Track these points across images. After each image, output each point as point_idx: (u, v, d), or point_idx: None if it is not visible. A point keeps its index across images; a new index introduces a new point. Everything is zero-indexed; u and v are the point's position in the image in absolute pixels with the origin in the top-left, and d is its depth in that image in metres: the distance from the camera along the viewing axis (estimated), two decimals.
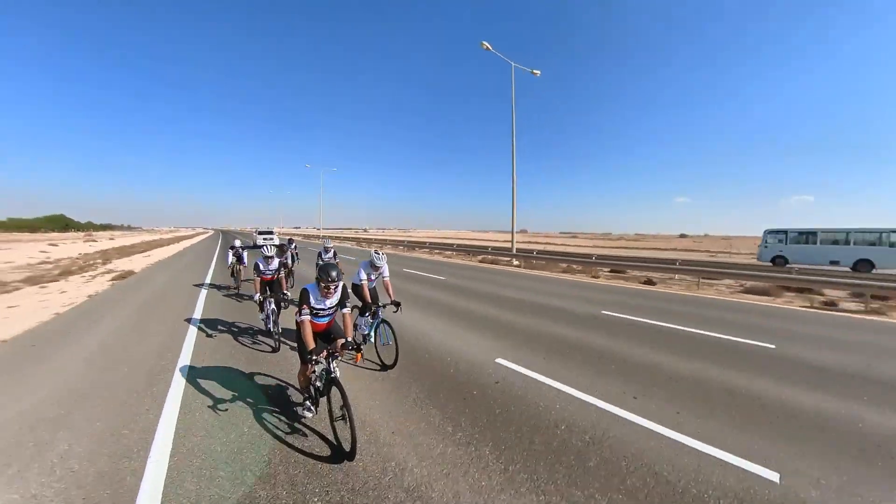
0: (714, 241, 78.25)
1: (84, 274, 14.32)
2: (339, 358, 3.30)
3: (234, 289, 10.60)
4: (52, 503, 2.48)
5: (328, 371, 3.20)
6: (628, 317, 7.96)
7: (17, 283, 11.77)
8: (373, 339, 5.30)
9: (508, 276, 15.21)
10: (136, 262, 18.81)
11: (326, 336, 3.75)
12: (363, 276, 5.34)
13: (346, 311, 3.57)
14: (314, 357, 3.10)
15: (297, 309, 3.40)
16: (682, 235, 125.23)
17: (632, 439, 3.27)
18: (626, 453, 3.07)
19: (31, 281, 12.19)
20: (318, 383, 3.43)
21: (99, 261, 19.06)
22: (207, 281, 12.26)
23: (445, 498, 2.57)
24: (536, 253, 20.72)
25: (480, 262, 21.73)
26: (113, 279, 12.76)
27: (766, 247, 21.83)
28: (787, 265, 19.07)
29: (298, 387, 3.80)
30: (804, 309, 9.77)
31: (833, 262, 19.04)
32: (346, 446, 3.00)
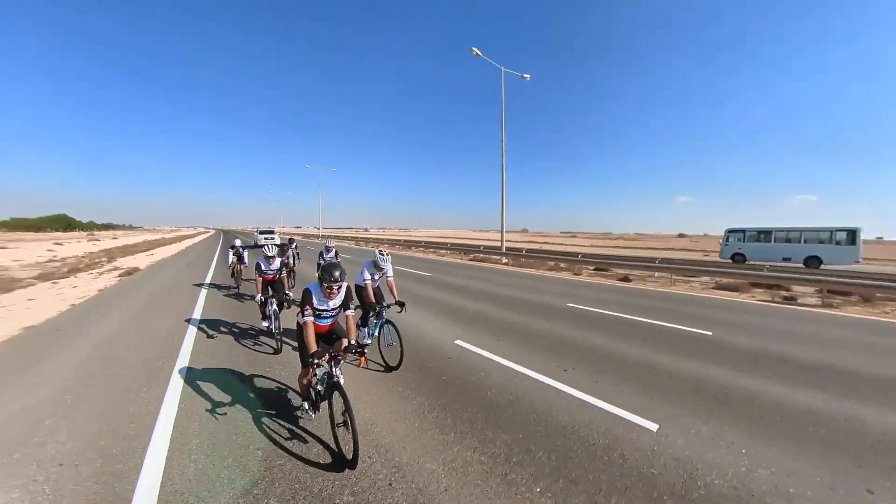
0: (711, 241, 78.80)
1: (92, 271, 15.12)
2: (343, 361, 3.22)
3: (235, 289, 10.52)
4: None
5: (330, 375, 3.12)
6: (590, 308, 8.73)
7: (30, 279, 12.55)
8: (377, 340, 5.23)
9: (493, 273, 16.01)
10: (141, 260, 19.62)
11: (329, 338, 3.69)
12: (367, 276, 5.28)
13: (350, 312, 3.50)
14: (316, 360, 3.02)
15: (298, 310, 3.33)
16: (681, 235, 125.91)
17: (547, 400, 4.03)
18: (538, 409, 3.83)
19: (43, 277, 12.99)
20: (320, 387, 3.37)
21: (105, 259, 19.86)
22: (208, 281, 12.27)
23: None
24: (525, 252, 21.48)
25: (471, 260, 22.52)
26: (120, 275, 13.58)
27: (726, 245, 23.21)
28: (746, 262, 20.58)
29: (299, 390, 3.71)
30: (762, 303, 10.51)
31: (785, 259, 20.34)
32: (348, 454, 2.91)
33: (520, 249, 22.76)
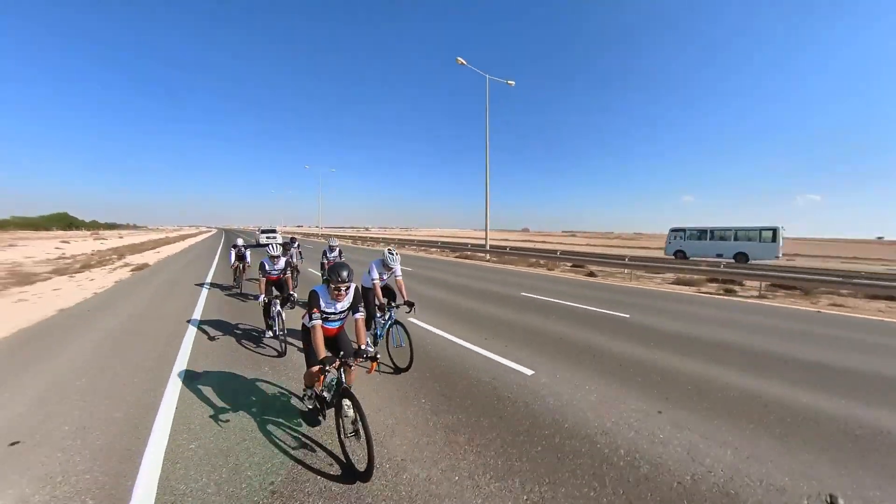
0: None
1: (105, 266, 16.51)
2: (352, 366, 3.09)
3: (237, 288, 10.41)
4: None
5: (339, 382, 2.99)
6: (539, 297, 10.07)
7: (47, 273, 13.93)
8: (385, 342, 5.21)
9: (472, 269, 17.36)
10: (148, 257, 21.05)
11: (336, 342, 3.55)
12: (375, 275, 5.18)
13: (359, 315, 3.36)
14: (327, 367, 2.86)
15: (305, 313, 3.23)
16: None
17: (464, 357, 5.33)
18: (455, 362, 5.14)
19: (59, 272, 14.36)
20: (327, 394, 3.22)
21: (114, 256, 21.28)
22: (209, 280, 12.20)
23: None
24: (509, 249, 22.80)
25: (457, 257, 23.90)
26: (132, 270, 14.97)
27: (670, 243, 25.54)
28: (687, 258, 22.52)
29: (303, 384, 3.59)
30: (702, 294, 11.80)
31: (718, 255, 22.36)
32: (360, 465, 2.76)
33: (504, 247, 24.08)
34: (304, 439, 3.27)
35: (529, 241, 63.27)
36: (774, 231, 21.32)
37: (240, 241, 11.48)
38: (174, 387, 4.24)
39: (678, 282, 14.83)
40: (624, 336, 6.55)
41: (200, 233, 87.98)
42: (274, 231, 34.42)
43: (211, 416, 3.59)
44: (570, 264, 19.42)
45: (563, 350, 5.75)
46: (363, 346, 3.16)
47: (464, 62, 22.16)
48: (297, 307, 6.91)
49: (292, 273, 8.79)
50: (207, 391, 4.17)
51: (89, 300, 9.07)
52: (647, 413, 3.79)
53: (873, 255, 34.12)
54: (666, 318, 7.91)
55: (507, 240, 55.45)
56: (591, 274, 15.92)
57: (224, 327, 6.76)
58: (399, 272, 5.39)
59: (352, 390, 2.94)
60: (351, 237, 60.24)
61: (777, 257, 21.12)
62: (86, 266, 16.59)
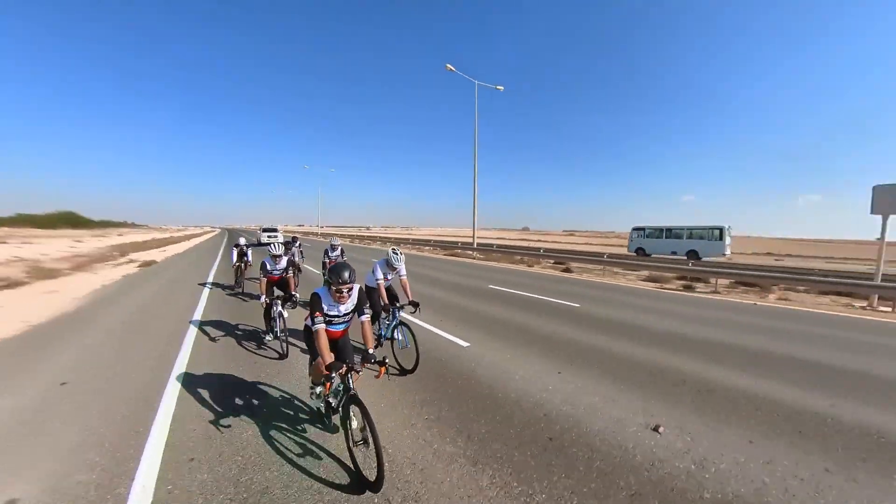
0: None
1: (118, 263, 17.73)
2: (360, 372, 2.94)
3: (238, 288, 10.38)
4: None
5: (346, 388, 2.87)
6: (505, 289, 11.27)
7: (67, 269, 15.14)
8: (391, 343, 5.20)
9: (455, 265, 18.58)
10: (155, 255, 22.27)
11: (341, 346, 3.44)
12: (379, 275, 5.12)
13: (365, 318, 3.26)
14: (333, 374, 2.76)
15: (307, 316, 3.10)
16: None
17: (417, 332, 6.40)
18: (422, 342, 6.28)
19: (79, 268, 15.56)
20: (333, 399, 3.14)
21: (126, 253, 22.52)
22: (210, 280, 12.22)
23: None
24: (496, 247, 23.96)
25: (446, 254, 25.06)
26: (139, 266, 16.20)
27: (631, 241, 27.61)
28: (647, 255, 24.42)
29: (310, 381, 3.55)
30: (662, 290, 12.89)
31: (673, 252, 24.41)
32: (370, 474, 2.67)
33: (491, 245, 25.23)
34: (309, 446, 3.14)
35: (525, 239, 64.36)
36: (721, 230, 23.37)
37: (242, 241, 11.38)
38: (172, 389, 4.18)
39: (649, 278, 15.90)
40: (562, 320, 7.70)
41: (205, 232, 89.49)
42: (275, 230, 34.57)
43: (211, 422, 3.46)
44: (552, 261, 20.55)
45: (499, 329, 6.93)
46: (370, 350, 3.08)
47: (452, 69, 23.27)
48: (298, 307, 6.83)
49: (294, 273, 9.06)
50: (206, 394, 4.04)
51: (108, 286, 10.43)
52: (549, 372, 4.93)
53: (865, 255, 35.01)
54: (612, 308, 9.04)
55: (503, 239, 56.58)
56: (568, 270, 17.06)
57: (225, 328, 6.69)
58: (404, 272, 5.32)
59: (359, 396, 2.81)
60: (349, 236, 61.56)
61: (724, 254, 22.93)
62: (101, 261, 17.80)
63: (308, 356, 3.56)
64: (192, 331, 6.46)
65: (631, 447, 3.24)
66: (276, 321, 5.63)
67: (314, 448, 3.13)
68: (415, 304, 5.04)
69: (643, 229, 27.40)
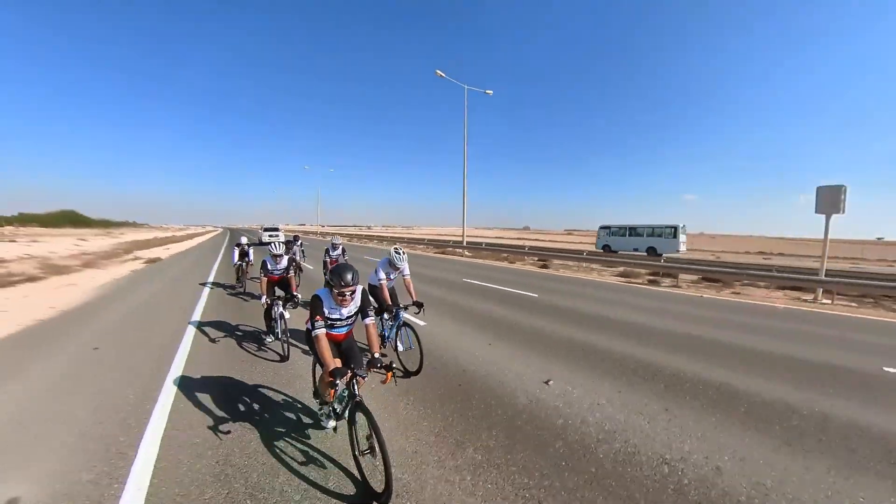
0: (698, 239, 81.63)
1: (125, 260, 18.86)
2: (365, 378, 2.87)
3: (240, 288, 10.34)
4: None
5: (352, 394, 2.75)
6: (477, 282, 12.38)
7: (77, 266, 16.25)
8: (393, 344, 5.12)
9: (442, 262, 19.69)
10: (159, 253, 23.41)
11: (345, 349, 3.32)
12: (381, 275, 5.02)
13: (370, 320, 3.11)
14: (337, 381, 2.71)
15: (307, 319, 2.98)
16: None
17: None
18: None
19: (89, 264, 16.67)
20: (338, 405, 3.04)
21: (131, 251, 23.66)
22: (210, 280, 12.22)
23: None
24: (484, 245, 25.01)
25: (437, 252, 26.19)
26: (145, 263, 17.34)
27: (599, 239, 30.02)
28: (613, 251, 26.18)
29: (318, 393, 3.43)
30: (628, 284, 13.91)
31: (635, 249, 26.49)
32: (377, 485, 2.59)
33: (479, 244, 26.28)
34: (312, 453, 3.05)
35: (523, 238, 65.33)
36: (675, 229, 25.81)
37: (243, 240, 11.33)
38: (168, 391, 4.11)
39: (621, 274, 16.91)
40: (515, 307, 8.77)
41: (207, 231, 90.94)
42: (277, 229, 34.29)
43: (210, 427, 3.36)
44: (536, 258, 21.58)
45: (458, 313, 8.02)
46: (376, 355, 2.91)
47: (442, 74, 24.28)
48: (299, 308, 6.73)
49: (296, 272, 8.35)
50: (205, 398, 3.95)
51: (120, 279, 11.55)
52: (482, 344, 6.00)
53: (859, 255, 35.78)
54: (567, 298, 10.08)
55: (501, 238, 57.70)
56: (545, 266, 18.10)
57: (225, 328, 6.63)
58: (407, 272, 5.23)
59: (365, 403, 2.70)
60: (348, 235, 62.72)
61: (678, 251, 24.98)
62: (108, 258, 18.94)
63: (311, 359, 3.42)
64: (192, 331, 6.44)
65: (520, 393, 4.28)
66: (277, 322, 5.53)
67: (318, 456, 3.02)
68: (419, 305, 4.92)
69: (609, 228, 29.84)
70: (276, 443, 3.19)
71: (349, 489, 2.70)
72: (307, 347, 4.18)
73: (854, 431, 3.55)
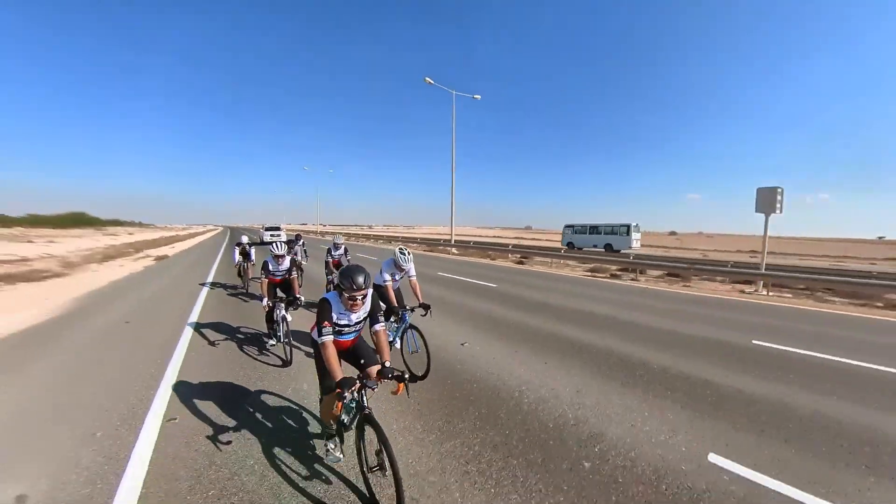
0: (695, 239, 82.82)
1: (137, 258, 20.44)
2: (375, 389, 2.53)
3: (242, 288, 10.19)
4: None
5: (360, 406, 2.55)
6: (449, 275, 13.90)
7: (92, 263, 17.79)
8: (399, 347, 4.98)
9: (428, 259, 21.23)
10: (166, 251, 25.03)
11: (352, 357, 3.10)
12: (386, 276, 4.89)
13: (380, 326, 2.88)
14: (345, 393, 2.36)
15: (313, 326, 2.82)
16: (672, 233, 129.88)
17: None
18: None
19: (108, 259, 18.25)
20: (345, 416, 2.74)
21: (141, 250, 25.28)
22: (209, 280, 12.10)
23: None
24: (472, 244, 26.44)
25: (427, 250, 27.73)
26: (155, 259, 18.92)
27: (564, 235, 32.56)
28: (576, 248, 28.27)
29: (321, 419, 3.21)
30: (592, 278, 15.32)
31: (594, 246, 29.06)
32: None
33: (468, 242, 27.72)
34: (318, 466, 2.91)
35: (521, 237, 66.64)
36: (628, 227, 28.59)
37: (244, 239, 11.16)
38: (164, 395, 3.99)
39: (591, 269, 18.27)
40: (471, 293, 10.29)
41: (208, 230, 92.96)
42: (278, 228, 33.83)
43: (209, 437, 3.23)
44: (519, 255, 22.99)
45: (433, 301, 9.38)
46: (387, 363, 2.72)
47: (431, 81, 25.66)
48: (301, 309, 6.73)
49: (298, 273, 8.34)
50: (203, 405, 3.81)
51: (137, 272, 13.21)
52: (426, 320, 7.39)
53: (852, 253, 36.51)
54: (523, 288, 11.54)
55: (500, 237, 59.09)
56: (521, 262, 19.54)
57: (225, 331, 6.47)
58: (413, 272, 5.09)
59: (375, 416, 2.52)
60: (348, 234, 64.21)
61: (631, 246, 27.52)
62: (123, 255, 20.53)
63: (315, 367, 3.07)
64: (189, 332, 6.37)
65: (442, 351, 5.64)
66: (279, 325, 5.37)
67: (323, 470, 2.86)
68: (425, 307, 4.73)
69: (573, 226, 32.60)
70: (278, 455, 3.02)
71: None
72: (310, 350, 4.16)
73: (700, 382, 4.63)
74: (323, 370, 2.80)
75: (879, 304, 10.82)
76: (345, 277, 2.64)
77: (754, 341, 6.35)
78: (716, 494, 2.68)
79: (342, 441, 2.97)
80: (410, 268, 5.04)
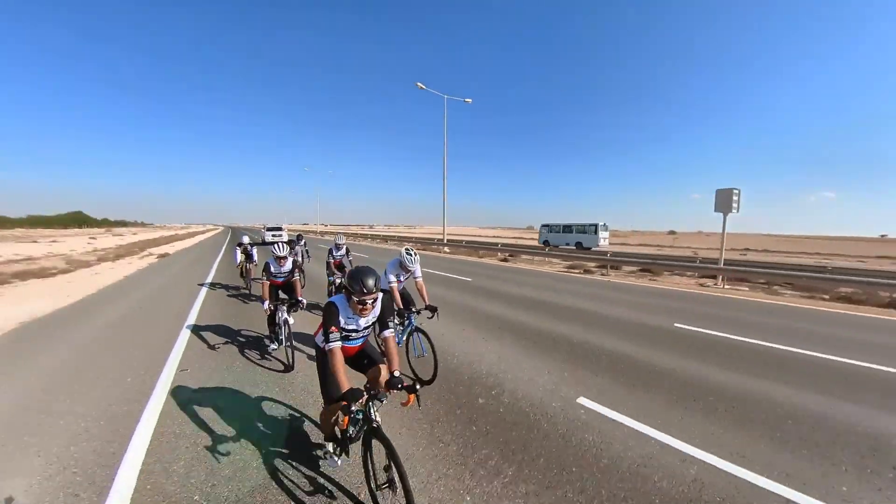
0: (693, 237, 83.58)
1: (141, 256, 21.45)
2: (385, 401, 2.40)
3: (245, 289, 10.14)
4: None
5: (368, 418, 2.40)
6: (432, 270, 14.86)
7: (94, 261, 18.78)
8: (405, 351, 4.90)
9: (422, 257, 21.98)
10: (167, 249, 26.08)
11: (358, 363, 2.96)
12: (391, 278, 4.76)
13: (390, 333, 2.70)
14: (353, 406, 2.25)
15: (317, 331, 2.76)
16: (671, 232, 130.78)
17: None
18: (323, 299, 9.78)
19: (103, 259, 19.20)
20: (351, 429, 2.61)
21: (144, 248, 26.30)
22: (209, 280, 12.00)
23: None
24: (465, 243, 27.42)
25: (420, 248, 28.59)
26: (157, 257, 19.92)
27: (541, 234, 35.83)
28: (551, 245, 29.77)
29: (320, 428, 3.10)
30: (565, 273, 16.28)
31: (567, 244, 31.70)
32: None
33: (458, 241, 28.70)
34: (322, 481, 2.76)
35: (520, 237, 67.57)
36: (595, 226, 31.54)
37: (245, 239, 11.05)
38: (157, 402, 3.87)
39: (570, 266, 19.20)
40: (443, 286, 11.26)
41: (208, 230, 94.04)
42: (280, 229, 32.62)
43: (207, 447, 3.13)
44: (507, 253, 23.95)
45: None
46: (396, 373, 2.49)
47: (423, 86, 26.56)
48: (304, 312, 6.59)
49: (300, 275, 8.20)
50: (202, 412, 3.71)
51: (142, 269, 14.25)
52: None
53: (845, 251, 37.19)
54: (498, 282, 12.50)
55: (498, 237, 60.20)
56: (505, 260, 20.50)
57: (225, 333, 6.34)
58: (419, 273, 5.00)
59: (384, 430, 2.36)
60: (348, 234, 65.25)
61: (598, 244, 30.46)
62: (121, 255, 21.51)
63: (316, 370, 2.93)
64: (186, 334, 6.27)
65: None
66: (280, 328, 5.26)
67: (328, 484, 2.74)
68: (432, 309, 4.59)
69: (549, 226, 35.74)
70: (280, 468, 2.88)
71: None
72: (312, 353, 4.15)
73: (606, 352, 5.60)
74: (326, 378, 2.68)
75: (825, 297, 11.78)
76: (354, 280, 2.48)
77: (676, 324, 7.32)
78: (566, 420, 3.66)
79: (347, 454, 2.82)
80: (416, 269, 4.91)
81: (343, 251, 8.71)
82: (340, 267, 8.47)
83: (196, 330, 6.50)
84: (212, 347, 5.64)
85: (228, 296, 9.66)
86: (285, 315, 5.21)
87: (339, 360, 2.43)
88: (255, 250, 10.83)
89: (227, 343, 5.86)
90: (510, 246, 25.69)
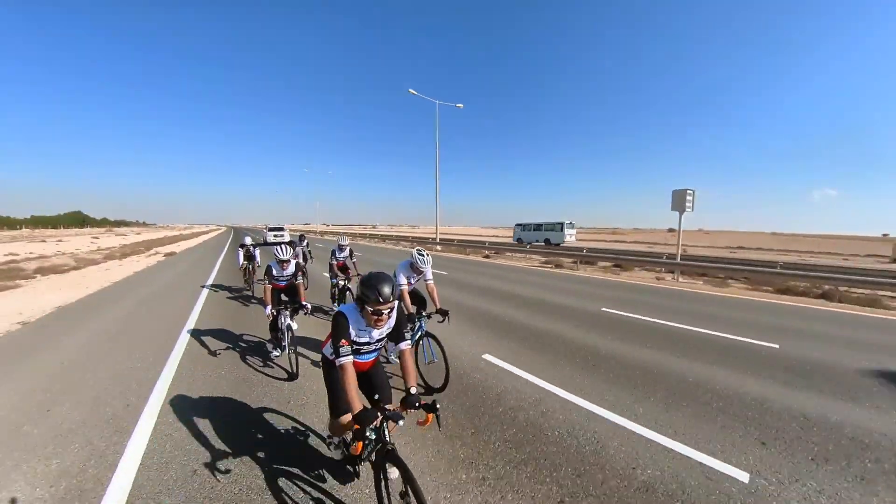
0: (692, 235, 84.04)
1: (148, 255, 22.79)
2: (400, 423, 2.13)
3: (247, 291, 10.02)
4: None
5: (382, 441, 2.19)
6: None
7: (101, 259, 20.10)
8: (413, 357, 4.44)
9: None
10: (173, 249, 27.44)
11: (369, 381, 2.69)
12: (402, 280, 4.53)
13: (406, 345, 2.48)
14: (367, 430, 2.09)
15: (324, 342, 2.61)
16: (670, 230, 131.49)
17: (323, 284, 11.08)
18: (314, 290, 11.00)
19: (110, 258, 20.54)
20: (364, 452, 2.43)
21: (150, 247, 27.67)
22: (210, 282, 11.94)
23: None
24: (456, 242, 28.69)
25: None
26: (164, 256, 21.26)
27: (515, 233, 38.64)
28: (523, 243, 31.20)
29: (327, 444, 2.92)
30: (538, 268, 17.47)
31: (536, 241, 33.64)
32: None
33: (450, 240, 29.98)
34: (330, 502, 2.55)
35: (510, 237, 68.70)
36: (561, 224, 34.79)
37: (248, 240, 10.92)
38: (153, 410, 3.76)
39: (546, 262, 20.21)
40: (449, 282, 12.39)
41: (211, 230, 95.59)
42: (282, 229, 31.94)
43: (206, 464, 2.92)
44: (493, 251, 25.16)
45: None
46: (413, 390, 2.27)
47: (415, 92, 27.61)
48: (309, 316, 6.44)
49: (303, 278, 7.84)
50: (201, 424, 3.53)
51: (148, 268, 15.59)
52: None
53: (842, 250, 37.62)
54: (472, 275, 13.74)
55: (495, 236, 61.38)
56: (487, 256, 21.73)
57: (226, 339, 6.19)
58: (430, 276, 4.79)
59: (399, 453, 2.16)
60: (347, 234, 66.54)
61: (563, 241, 33.26)
62: (127, 254, 22.84)
63: (322, 379, 2.72)
64: (186, 337, 6.22)
65: None
66: (283, 333, 5.06)
67: (336, 501, 2.56)
68: (443, 313, 4.41)
69: (522, 225, 38.89)
70: (284, 489, 2.70)
71: None
72: (316, 359, 4.13)
73: (533, 328, 6.82)
74: (335, 391, 2.49)
75: (768, 289, 12.93)
76: (368, 288, 2.22)
77: (603, 309, 8.54)
78: (472, 370, 4.91)
79: (357, 476, 2.70)
80: (427, 270, 4.68)
81: (346, 252, 8.48)
82: (343, 269, 8.46)
83: (196, 334, 6.41)
84: (212, 353, 5.46)
85: (229, 297, 9.73)
86: (288, 320, 4.96)
87: (350, 376, 2.21)
88: (257, 251, 10.77)
89: (228, 349, 5.66)
90: (497, 244, 26.90)
